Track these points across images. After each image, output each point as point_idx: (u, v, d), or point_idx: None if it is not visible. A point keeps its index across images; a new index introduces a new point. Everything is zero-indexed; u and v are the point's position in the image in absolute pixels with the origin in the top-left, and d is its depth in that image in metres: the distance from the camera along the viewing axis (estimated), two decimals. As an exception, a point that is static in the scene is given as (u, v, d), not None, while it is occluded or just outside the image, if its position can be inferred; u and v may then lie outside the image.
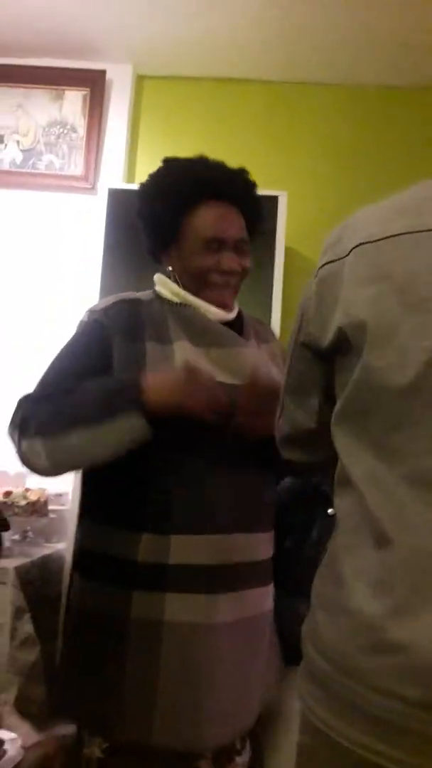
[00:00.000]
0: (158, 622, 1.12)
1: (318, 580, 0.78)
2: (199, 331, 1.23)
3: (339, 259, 0.77)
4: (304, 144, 2.57)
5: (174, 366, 1.16)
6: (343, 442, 0.77)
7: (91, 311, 1.27)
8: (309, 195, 2.44)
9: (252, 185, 1.31)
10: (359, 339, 0.73)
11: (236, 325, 1.30)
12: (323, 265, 0.80)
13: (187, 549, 1.14)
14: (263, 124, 2.59)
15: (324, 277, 0.80)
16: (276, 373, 1.22)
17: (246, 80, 2.60)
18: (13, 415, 1.18)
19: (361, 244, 0.75)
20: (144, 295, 1.30)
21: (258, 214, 1.31)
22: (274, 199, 2.25)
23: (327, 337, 0.78)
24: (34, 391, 1.22)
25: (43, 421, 1.12)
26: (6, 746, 0.74)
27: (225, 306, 1.26)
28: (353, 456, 0.75)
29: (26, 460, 1.15)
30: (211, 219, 1.23)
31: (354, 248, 0.76)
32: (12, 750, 0.75)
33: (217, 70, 2.57)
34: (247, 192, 1.29)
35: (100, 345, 1.20)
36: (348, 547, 0.73)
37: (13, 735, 0.81)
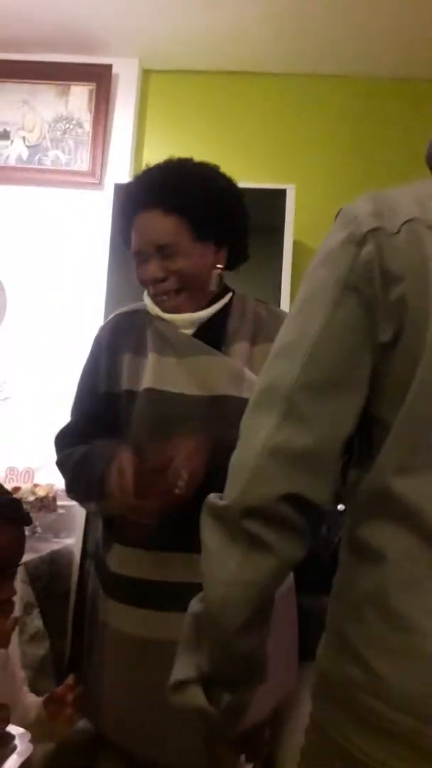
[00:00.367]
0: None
1: (360, 625, 0.67)
2: (165, 342, 1.24)
3: (393, 234, 0.68)
4: (312, 137, 2.56)
5: (145, 378, 1.21)
6: (391, 456, 0.67)
7: (99, 328, 1.35)
8: (317, 188, 2.43)
9: (200, 180, 1.24)
10: None
11: (214, 328, 1.25)
12: (374, 229, 0.69)
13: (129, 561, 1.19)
14: (270, 117, 2.57)
15: (382, 244, 0.68)
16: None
17: (252, 73, 2.58)
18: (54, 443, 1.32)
19: (409, 221, 0.68)
20: (139, 305, 1.31)
21: (207, 207, 1.22)
22: (281, 193, 2.24)
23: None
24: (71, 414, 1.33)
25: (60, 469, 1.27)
26: (16, 741, 0.74)
27: (177, 311, 1.24)
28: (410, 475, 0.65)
29: None
30: (135, 232, 1.24)
31: (404, 225, 0.68)
32: (22, 744, 0.75)
33: (224, 64, 2.56)
34: (184, 191, 1.22)
35: (98, 361, 1.29)
36: (407, 584, 0.64)
37: (22, 729, 0.81)
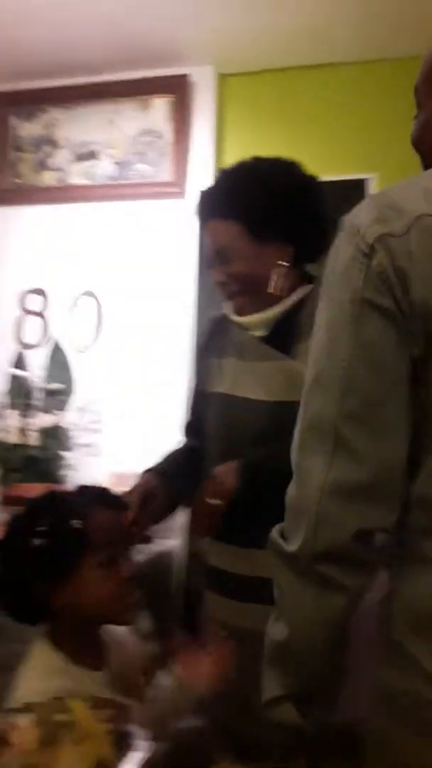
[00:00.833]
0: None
1: (422, 638, 0.65)
2: (238, 346, 1.27)
3: (402, 235, 0.66)
4: (395, 124, 2.47)
5: (219, 382, 1.27)
6: None
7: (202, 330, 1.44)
8: (400, 175, 2.34)
9: (259, 182, 1.22)
10: None
11: (287, 326, 1.23)
12: (380, 237, 0.66)
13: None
14: (352, 107, 2.51)
15: (392, 250, 0.65)
16: None
17: (331, 64, 2.54)
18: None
19: (418, 218, 0.66)
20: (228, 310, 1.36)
21: (266, 208, 1.21)
22: (363, 183, 2.19)
23: None
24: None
25: None
26: (135, 740, 0.77)
27: (241, 313, 1.27)
28: None
29: None
30: (205, 240, 1.29)
31: (412, 224, 0.66)
32: (141, 743, 0.77)
33: (300, 58, 2.53)
34: (240, 196, 1.21)
35: (197, 362, 1.38)
36: None
37: (141, 728, 0.83)
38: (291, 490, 0.69)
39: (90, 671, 0.96)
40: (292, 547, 0.67)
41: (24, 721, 0.70)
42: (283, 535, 0.70)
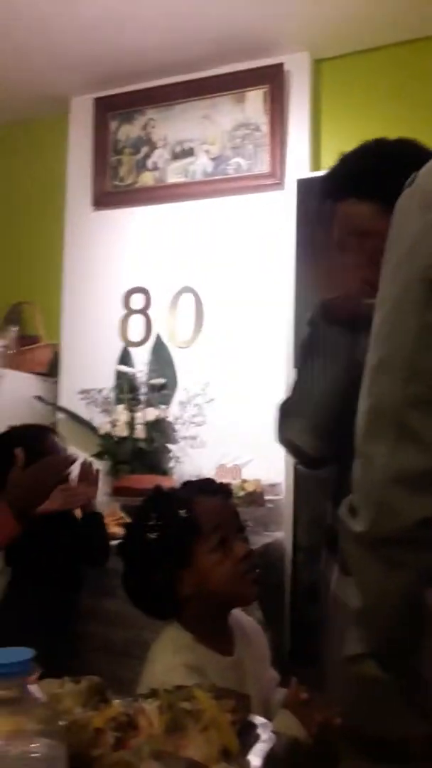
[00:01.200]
0: None
1: None
2: None
3: None
4: None
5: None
6: None
7: (319, 307, 1.31)
8: None
9: (393, 160, 1.15)
10: None
11: None
12: None
13: None
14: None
15: None
16: None
17: (428, 37, 2.43)
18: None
19: None
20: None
21: (401, 183, 1.17)
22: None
23: None
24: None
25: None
26: (258, 730, 0.77)
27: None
28: None
29: None
30: (336, 223, 1.23)
31: None
32: (264, 735, 0.77)
33: (397, 35, 2.43)
34: (377, 175, 1.16)
35: (320, 344, 1.25)
36: None
37: (264, 720, 0.83)
38: (356, 471, 0.68)
39: (217, 654, 1.01)
40: (358, 527, 0.67)
41: (150, 706, 0.72)
42: (351, 510, 0.69)
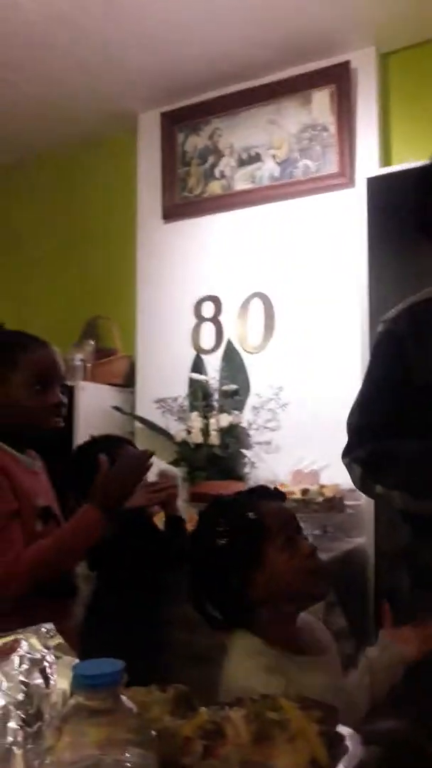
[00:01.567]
0: None
1: None
2: None
3: None
4: None
5: None
6: None
7: (383, 321, 1.28)
8: None
9: None
10: None
11: None
12: None
13: None
14: None
15: None
16: None
17: None
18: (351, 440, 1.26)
19: None
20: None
21: None
22: None
23: None
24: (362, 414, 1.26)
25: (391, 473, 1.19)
26: (346, 741, 0.75)
27: None
28: None
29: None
30: None
31: None
32: (352, 746, 0.75)
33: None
34: None
35: (400, 354, 1.21)
36: None
37: (351, 730, 0.82)
38: None
39: (292, 654, 1.01)
40: None
41: (236, 715, 0.72)
42: None
